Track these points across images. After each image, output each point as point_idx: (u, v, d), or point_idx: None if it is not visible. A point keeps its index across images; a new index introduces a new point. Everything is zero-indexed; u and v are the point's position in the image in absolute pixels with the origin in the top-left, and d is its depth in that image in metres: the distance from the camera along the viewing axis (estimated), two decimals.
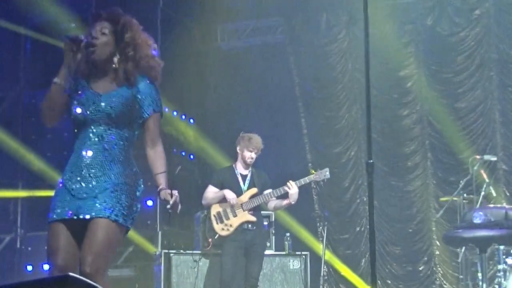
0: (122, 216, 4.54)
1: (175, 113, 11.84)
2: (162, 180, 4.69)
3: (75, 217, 4.51)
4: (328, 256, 10.83)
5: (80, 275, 4.35)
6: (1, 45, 11.58)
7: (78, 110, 4.64)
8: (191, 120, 12.18)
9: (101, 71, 4.71)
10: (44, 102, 4.71)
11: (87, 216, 4.49)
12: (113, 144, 4.63)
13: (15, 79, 11.79)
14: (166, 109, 11.70)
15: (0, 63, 11.55)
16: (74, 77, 4.71)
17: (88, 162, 4.60)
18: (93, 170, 4.58)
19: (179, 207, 4.70)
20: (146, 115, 4.69)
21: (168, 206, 4.64)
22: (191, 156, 12.32)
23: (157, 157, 4.74)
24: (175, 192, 4.64)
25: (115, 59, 4.67)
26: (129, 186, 4.63)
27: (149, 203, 10.96)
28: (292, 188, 8.36)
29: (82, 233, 4.50)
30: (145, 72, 4.73)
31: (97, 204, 4.51)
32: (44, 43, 10.99)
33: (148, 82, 4.72)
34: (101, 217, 4.48)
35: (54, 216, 4.57)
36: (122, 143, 4.66)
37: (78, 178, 4.58)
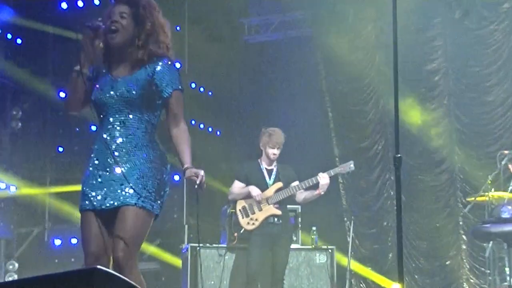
0: (150, 202, 4.56)
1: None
2: (187, 159, 4.66)
3: (103, 207, 4.55)
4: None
5: (113, 262, 4.41)
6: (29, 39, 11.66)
7: (98, 96, 4.66)
8: (218, 132, 12.28)
9: (121, 54, 4.72)
10: (67, 90, 4.79)
11: (116, 204, 4.53)
12: (135, 129, 4.64)
13: (44, 73, 11.86)
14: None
15: (29, 58, 11.64)
16: (95, 64, 4.74)
17: (112, 148, 4.61)
18: (117, 157, 4.59)
19: (204, 186, 4.70)
20: (167, 94, 4.68)
21: (196, 186, 4.63)
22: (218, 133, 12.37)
23: (180, 135, 4.71)
24: (201, 172, 4.64)
25: (136, 42, 4.68)
26: (155, 170, 4.64)
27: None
28: (323, 178, 8.37)
29: (112, 220, 4.54)
30: (162, 53, 4.73)
31: (124, 192, 4.54)
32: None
33: (165, 62, 4.71)
34: (128, 205, 4.51)
35: (84, 206, 4.61)
36: (144, 126, 4.66)
37: (104, 165, 4.61)
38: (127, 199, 4.52)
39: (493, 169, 9.60)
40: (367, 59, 11.67)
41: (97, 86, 4.69)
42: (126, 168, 4.58)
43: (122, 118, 4.64)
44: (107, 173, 4.59)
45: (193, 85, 12.29)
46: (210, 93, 12.72)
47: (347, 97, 11.79)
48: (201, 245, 9.01)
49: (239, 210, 8.51)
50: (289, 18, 12.42)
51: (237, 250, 8.78)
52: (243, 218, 8.47)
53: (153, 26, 4.70)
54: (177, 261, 10.06)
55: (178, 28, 11.51)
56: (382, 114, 11.55)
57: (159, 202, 4.63)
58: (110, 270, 3.39)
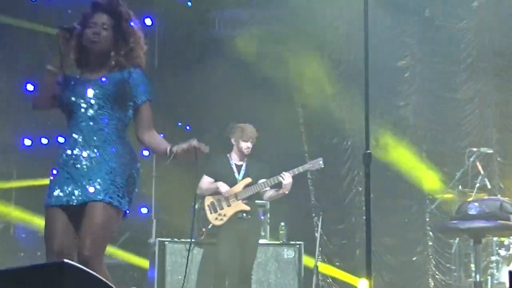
0: (117, 198, 4.55)
1: None
2: (167, 145, 4.73)
3: (70, 203, 4.52)
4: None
5: (78, 259, 4.40)
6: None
7: (68, 95, 4.66)
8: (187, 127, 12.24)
9: (96, 59, 4.75)
10: (38, 88, 4.81)
11: (83, 199, 4.51)
12: (104, 126, 4.64)
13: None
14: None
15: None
16: (67, 64, 4.74)
17: (81, 145, 4.60)
18: (86, 153, 4.58)
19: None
20: (140, 101, 4.71)
21: (193, 153, 4.62)
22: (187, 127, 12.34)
23: (154, 136, 4.77)
24: (194, 142, 4.64)
25: (112, 54, 4.71)
26: (124, 166, 4.64)
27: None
28: (286, 179, 8.37)
29: (79, 217, 4.52)
30: (138, 65, 4.79)
31: (92, 188, 4.52)
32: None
33: (141, 71, 4.76)
34: (96, 201, 4.49)
35: (51, 202, 4.58)
36: (114, 122, 4.67)
37: (72, 161, 4.59)
38: (95, 195, 4.51)
39: (460, 166, 9.68)
40: (338, 55, 11.68)
41: (68, 86, 4.68)
42: (94, 163, 4.56)
43: (93, 115, 4.63)
44: (75, 169, 4.57)
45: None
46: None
47: (317, 92, 11.79)
48: (169, 239, 8.99)
49: (207, 205, 8.50)
50: (260, 14, 12.38)
51: (205, 245, 8.77)
52: (211, 213, 8.47)
53: (134, 42, 4.75)
54: (145, 256, 10.02)
55: (148, 21, 11.44)
56: (352, 110, 11.56)
57: (127, 198, 4.61)
58: (78, 264, 3.37)
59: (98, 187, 4.51)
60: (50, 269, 3.23)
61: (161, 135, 4.93)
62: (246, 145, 8.52)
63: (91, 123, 4.63)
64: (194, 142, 4.65)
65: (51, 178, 4.67)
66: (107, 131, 4.64)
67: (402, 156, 11.23)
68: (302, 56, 11.76)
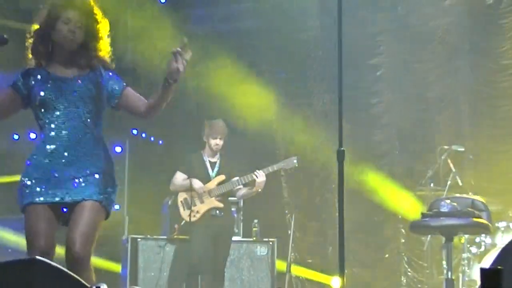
0: (105, 199, 4.59)
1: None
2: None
3: (57, 199, 4.51)
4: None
5: (68, 257, 4.37)
6: None
7: (44, 95, 4.62)
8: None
9: (67, 58, 4.73)
10: None
11: (75, 199, 4.53)
12: (87, 125, 4.63)
13: None
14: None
15: None
16: (28, 70, 4.71)
17: (65, 143, 4.58)
18: (72, 152, 4.56)
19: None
20: (118, 89, 4.75)
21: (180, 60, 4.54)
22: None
23: (151, 101, 4.75)
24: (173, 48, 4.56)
25: (85, 50, 4.70)
26: (108, 169, 4.69)
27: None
28: (260, 177, 8.39)
29: (63, 215, 4.52)
30: (108, 65, 4.83)
31: (81, 187, 4.54)
32: None
33: (110, 70, 4.83)
34: (87, 200, 4.51)
35: (36, 199, 4.54)
36: (95, 122, 4.68)
37: (56, 160, 4.57)
38: (86, 194, 4.54)
39: (432, 164, 9.73)
40: (311, 52, 11.69)
41: (42, 86, 4.65)
42: (82, 164, 4.57)
43: (74, 113, 4.61)
44: (63, 169, 4.56)
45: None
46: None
47: (291, 90, 11.80)
48: (141, 236, 8.97)
49: (181, 202, 8.49)
50: (234, 10, 12.38)
51: (178, 242, 8.75)
52: (184, 210, 8.46)
53: (105, 41, 4.74)
54: (117, 253, 9.98)
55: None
56: (326, 107, 11.58)
57: (111, 199, 4.68)
58: (49, 261, 3.36)
59: (88, 187, 4.54)
60: (22, 266, 3.22)
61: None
62: (215, 142, 8.53)
63: (73, 122, 4.60)
64: (173, 49, 4.56)
65: (30, 175, 4.62)
66: (90, 131, 4.63)
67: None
68: (274, 53, 11.77)
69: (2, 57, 4.87)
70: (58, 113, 4.62)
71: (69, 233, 4.50)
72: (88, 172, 4.56)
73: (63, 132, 4.60)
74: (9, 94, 4.69)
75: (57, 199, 4.54)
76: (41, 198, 4.54)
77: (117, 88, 4.74)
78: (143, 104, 4.77)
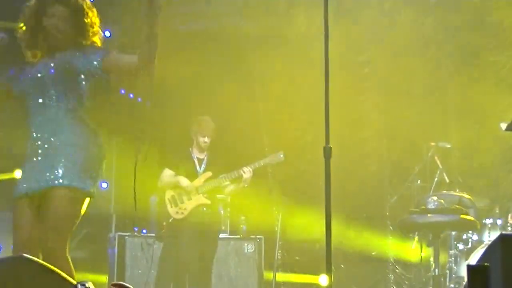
0: (79, 179, 4.48)
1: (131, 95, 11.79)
2: None
3: (33, 189, 4.48)
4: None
5: (42, 251, 4.34)
6: None
7: (22, 82, 4.61)
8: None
9: (48, 51, 4.74)
10: None
11: (44, 185, 4.48)
12: (59, 108, 4.59)
13: None
14: (122, 91, 11.64)
15: None
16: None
17: (41, 130, 4.56)
18: (46, 138, 4.54)
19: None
20: (100, 63, 4.65)
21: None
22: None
23: (138, 54, 4.64)
24: None
25: (70, 41, 4.67)
26: (84, 146, 4.59)
27: (103, 185, 10.88)
28: (246, 173, 8.40)
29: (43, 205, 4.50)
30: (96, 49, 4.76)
31: (51, 173, 4.48)
32: None
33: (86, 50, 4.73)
34: (54, 186, 4.43)
35: (18, 191, 4.54)
36: (71, 107, 4.62)
37: (37, 148, 4.56)
38: (54, 180, 4.45)
39: (420, 161, 9.75)
40: (299, 49, 11.68)
41: (24, 74, 4.64)
42: (54, 148, 4.52)
43: (46, 99, 4.59)
44: (39, 156, 4.52)
45: None
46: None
47: (278, 87, 11.80)
48: (129, 233, 8.96)
49: (168, 199, 8.48)
50: (220, 8, 12.35)
51: (166, 239, 8.74)
52: (171, 207, 8.45)
53: (94, 33, 4.71)
54: (104, 250, 9.95)
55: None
56: (313, 104, 11.56)
57: (91, 179, 4.55)
58: (35, 258, 3.35)
59: (57, 171, 4.47)
60: (7, 264, 3.21)
61: None
62: (203, 140, 8.56)
63: (46, 108, 4.59)
64: None
65: (22, 167, 4.66)
66: (62, 113, 4.58)
67: None
68: (262, 50, 11.76)
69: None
70: (31, 101, 4.68)
71: (42, 225, 4.46)
72: (56, 155, 4.53)
73: (35, 121, 4.69)
74: None
75: (35, 188, 4.54)
76: (21, 189, 4.60)
77: (95, 59, 4.65)
78: (134, 57, 4.66)
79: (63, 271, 4.20)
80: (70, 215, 4.49)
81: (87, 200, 4.56)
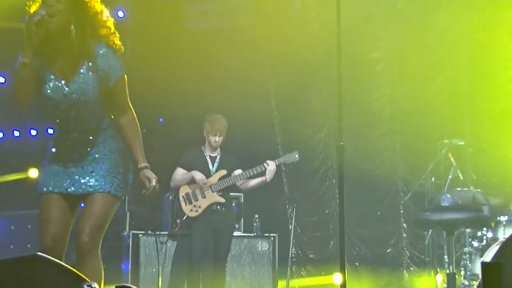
0: (121, 189, 4.68)
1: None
2: (140, 156, 4.71)
3: (71, 191, 4.56)
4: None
5: (77, 246, 4.44)
6: None
7: (49, 94, 4.61)
8: (160, 119, 12.20)
9: (58, 44, 4.65)
10: (16, 85, 4.59)
11: (88, 190, 4.61)
12: (97, 121, 4.65)
13: None
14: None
15: None
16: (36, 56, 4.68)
17: (76, 141, 4.64)
18: (84, 146, 4.62)
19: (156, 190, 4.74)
20: (111, 82, 4.66)
21: (144, 191, 4.67)
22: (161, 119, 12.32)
23: (130, 127, 4.74)
24: (154, 181, 4.65)
25: (72, 28, 4.60)
26: (122, 158, 4.71)
27: None
28: (270, 165, 8.41)
29: (75, 207, 4.58)
30: (102, 39, 4.69)
31: (95, 180, 4.61)
32: None
33: (106, 49, 4.67)
34: (100, 192, 4.59)
35: (50, 188, 4.59)
36: (105, 117, 4.68)
37: (71, 153, 4.61)
38: (100, 187, 4.61)
39: (434, 158, 9.72)
40: (311, 47, 11.66)
41: (47, 84, 4.63)
42: (95, 156, 4.63)
43: (81, 112, 4.63)
44: (76, 162, 4.60)
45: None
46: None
47: (290, 85, 11.79)
48: (143, 232, 8.98)
49: (182, 196, 8.48)
50: (233, 5, 12.35)
51: (179, 237, 8.75)
52: (186, 205, 8.45)
53: (93, 14, 4.64)
54: (119, 248, 9.98)
55: (121, 14, 11.38)
56: (326, 102, 11.57)
57: (127, 188, 4.77)
58: (51, 257, 3.37)
59: (102, 179, 4.62)
60: (23, 262, 3.22)
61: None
62: (214, 139, 8.54)
63: (82, 121, 4.64)
64: (151, 186, 4.69)
65: (46, 168, 4.72)
66: (100, 127, 4.68)
67: None
68: (275, 47, 11.75)
69: None
70: (52, 110, 4.74)
71: (79, 223, 4.61)
72: (97, 163, 4.68)
73: (68, 130, 4.76)
74: None
75: (71, 190, 4.66)
76: (52, 187, 4.66)
77: (110, 81, 4.66)
78: (119, 111, 4.75)
79: (94, 267, 4.34)
80: (108, 218, 4.69)
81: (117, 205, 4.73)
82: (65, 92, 4.60)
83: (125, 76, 4.76)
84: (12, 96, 4.63)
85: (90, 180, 4.61)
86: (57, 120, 4.70)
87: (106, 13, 4.76)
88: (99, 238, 4.62)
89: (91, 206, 4.58)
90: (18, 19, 4.85)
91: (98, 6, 4.69)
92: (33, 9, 4.62)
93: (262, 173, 8.47)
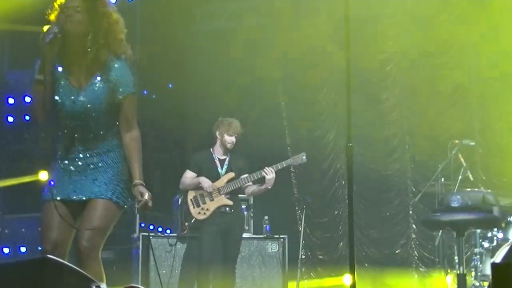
0: (122, 198, 4.71)
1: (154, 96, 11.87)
2: (137, 172, 4.73)
3: (74, 197, 4.58)
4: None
5: (77, 250, 4.47)
6: None
7: (59, 100, 4.66)
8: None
9: (74, 53, 4.70)
10: (33, 101, 4.68)
11: (89, 197, 4.65)
12: (103, 131, 4.68)
13: None
14: (145, 92, 11.67)
15: None
16: (51, 64, 4.71)
17: (83, 147, 4.68)
18: (89, 155, 4.64)
19: (150, 205, 4.73)
20: (120, 97, 4.68)
21: (138, 206, 4.68)
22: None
23: (133, 144, 4.77)
24: (146, 195, 4.66)
25: (89, 38, 4.64)
26: (126, 167, 4.76)
27: None
28: (269, 174, 8.38)
29: (77, 213, 4.60)
30: (117, 51, 4.73)
31: (97, 187, 4.66)
32: None
33: (121, 62, 4.72)
34: (102, 198, 4.63)
35: (53, 196, 4.61)
36: (112, 128, 4.70)
37: (76, 161, 4.64)
38: (102, 194, 4.65)
39: (443, 159, 9.69)
40: (320, 48, 11.66)
41: (57, 90, 4.68)
42: (98, 165, 4.68)
43: (89, 121, 4.67)
44: (80, 168, 4.63)
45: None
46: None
47: (300, 87, 11.79)
48: (152, 234, 8.99)
49: (190, 200, 8.49)
50: (243, 7, 12.35)
51: (189, 239, 8.76)
52: (194, 208, 8.46)
53: (110, 24, 4.68)
54: (129, 251, 10.00)
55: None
56: (335, 103, 11.57)
57: (130, 196, 4.77)
58: (60, 260, 3.38)
59: (104, 186, 4.66)
60: (32, 265, 3.24)
61: None
62: (230, 139, 8.52)
63: (89, 129, 4.68)
64: (143, 200, 4.66)
65: (52, 173, 4.76)
66: (106, 136, 4.69)
67: None
68: (283, 50, 11.75)
69: None
70: (67, 120, 4.81)
71: (80, 227, 4.62)
72: (100, 171, 4.74)
73: (75, 137, 4.83)
74: None
75: (74, 197, 4.70)
76: (56, 194, 4.66)
77: (120, 94, 4.71)
78: (124, 128, 4.77)
79: (94, 271, 4.35)
80: (109, 223, 4.70)
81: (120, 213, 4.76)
82: (75, 99, 4.66)
83: (136, 96, 4.80)
84: (30, 110, 4.90)
85: (93, 188, 4.66)
86: (65, 129, 4.75)
87: (122, 22, 4.79)
88: (99, 243, 4.64)
89: (92, 211, 4.61)
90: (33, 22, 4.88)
91: (116, 17, 4.73)
92: (52, 17, 4.68)
93: (263, 179, 8.47)
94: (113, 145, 4.76)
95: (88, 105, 4.64)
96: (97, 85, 4.66)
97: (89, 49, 4.65)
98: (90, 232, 4.55)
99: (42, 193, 4.76)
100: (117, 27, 4.72)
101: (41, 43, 4.52)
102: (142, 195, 4.66)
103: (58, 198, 4.65)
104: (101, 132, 4.71)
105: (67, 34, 4.60)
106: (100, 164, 4.70)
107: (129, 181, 4.77)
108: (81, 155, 4.71)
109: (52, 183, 4.70)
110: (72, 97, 4.67)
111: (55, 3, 4.70)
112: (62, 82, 4.71)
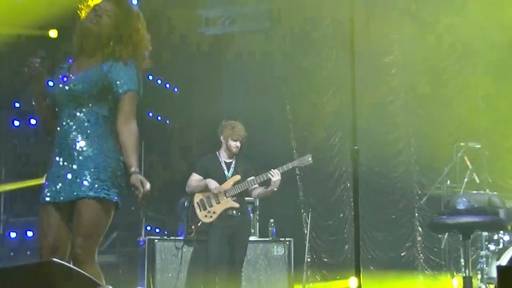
0: (104, 191, 4.54)
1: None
2: (133, 161, 4.57)
3: (61, 198, 4.55)
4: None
5: (71, 257, 4.43)
6: None
7: (52, 91, 4.71)
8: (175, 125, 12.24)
9: (90, 51, 4.72)
10: (40, 121, 4.87)
11: (71, 197, 4.54)
12: (85, 122, 4.62)
13: None
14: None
15: None
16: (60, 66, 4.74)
17: (68, 142, 4.61)
18: (72, 150, 4.60)
19: (148, 195, 4.60)
20: (120, 92, 4.65)
21: (140, 195, 4.51)
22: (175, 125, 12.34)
23: (130, 135, 4.61)
24: (147, 185, 4.52)
25: (111, 44, 4.66)
26: (107, 159, 4.61)
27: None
28: (275, 176, 8.37)
29: (71, 211, 4.55)
30: (133, 58, 4.73)
31: (78, 185, 4.54)
32: None
33: (131, 65, 4.70)
34: (83, 198, 4.50)
35: (45, 199, 4.60)
36: (94, 119, 4.64)
37: (63, 159, 4.61)
38: (83, 192, 4.52)
39: (449, 161, 9.69)
40: (325, 51, 11.68)
41: (53, 81, 4.70)
42: (79, 160, 4.57)
43: (73, 111, 4.64)
44: (66, 167, 4.58)
45: (150, 77, 12.21)
46: (167, 85, 12.68)
47: (305, 90, 11.81)
48: (158, 237, 8.99)
49: (197, 203, 8.49)
50: (247, 11, 12.37)
51: (195, 242, 8.76)
52: (200, 211, 8.46)
53: (136, 40, 4.69)
54: (134, 254, 10.01)
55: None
56: (340, 106, 11.58)
57: (115, 190, 4.59)
58: (65, 263, 3.38)
59: (84, 183, 4.52)
60: (40, 268, 3.24)
61: None
62: (235, 144, 8.51)
63: (72, 121, 4.63)
64: (144, 189, 4.47)
65: (47, 174, 4.71)
66: (88, 128, 4.62)
67: None
68: (289, 52, 11.76)
69: None
70: (57, 110, 4.79)
71: (72, 232, 4.54)
72: (81, 167, 4.58)
73: (60, 130, 4.76)
74: None
75: (62, 197, 4.59)
76: (48, 196, 4.63)
77: (119, 90, 4.64)
78: (122, 121, 4.65)
79: (92, 275, 4.29)
80: (99, 224, 4.56)
81: (114, 209, 4.63)
82: (64, 83, 4.64)
83: (138, 95, 4.72)
84: (41, 126, 4.93)
85: (79, 184, 4.52)
86: (58, 119, 4.72)
87: (148, 38, 4.81)
88: (93, 247, 4.53)
89: (80, 214, 4.49)
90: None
91: (142, 33, 4.75)
92: (83, 13, 4.71)
93: (269, 181, 8.45)
94: (102, 136, 4.63)
95: (74, 86, 4.60)
96: (91, 71, 4.64)
97: (106, 53, 4.66)
98: (81, 239, 4.46)
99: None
100: (142, 44, 4.74)
101: (26, 79, 4.63)
102: (142, 184, 4.55)
103: (49, 200, 4.58)
104: (89, 120, 4.61)
105: (89, 32, 4.65)
106: (80, 157, 4.57)
107: (119, 170, 4.62)
108: (69, 144, 4.61)
109: (46, 183, 4.65)
110: (62, 80, 4.67)
111: (90, 1, 4.73)
112: (61, 73, 4.74)
